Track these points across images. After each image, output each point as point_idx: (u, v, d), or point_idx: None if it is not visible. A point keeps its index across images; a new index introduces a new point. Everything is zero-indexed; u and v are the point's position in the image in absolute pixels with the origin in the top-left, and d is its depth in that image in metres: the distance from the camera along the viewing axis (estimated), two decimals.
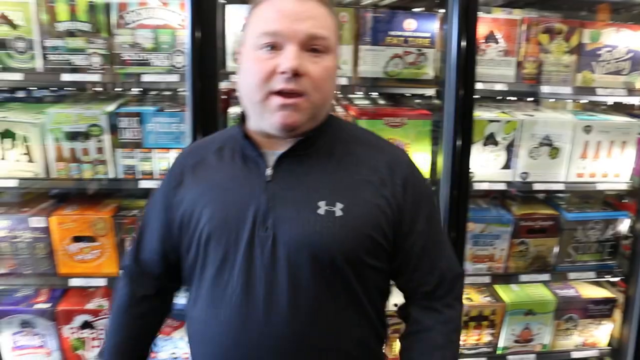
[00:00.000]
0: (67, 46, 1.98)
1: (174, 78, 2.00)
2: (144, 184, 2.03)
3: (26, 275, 2.12)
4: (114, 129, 2.01)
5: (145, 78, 1.98)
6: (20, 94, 2.53)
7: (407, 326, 1.25)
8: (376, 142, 1.23)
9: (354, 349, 1.15)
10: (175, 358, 2.20)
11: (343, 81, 2.09)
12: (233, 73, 2.00)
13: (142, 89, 2.48)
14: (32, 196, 2.24)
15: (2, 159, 2.01)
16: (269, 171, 1.10)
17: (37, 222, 2.05)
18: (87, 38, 1.98)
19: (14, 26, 1.96)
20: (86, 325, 2.15)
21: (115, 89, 2.42)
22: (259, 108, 1.06)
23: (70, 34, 1.97)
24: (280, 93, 1.03)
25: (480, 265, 2.29)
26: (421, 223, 1.18)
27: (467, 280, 2.25)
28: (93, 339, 2.17)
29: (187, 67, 1.89)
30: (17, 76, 1.98)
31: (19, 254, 2.09)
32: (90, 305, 2.16)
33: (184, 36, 1.96)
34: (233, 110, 2.04)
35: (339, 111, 2.21)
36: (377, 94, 2.57)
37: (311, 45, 1.04)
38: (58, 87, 2.38)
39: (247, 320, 1.07)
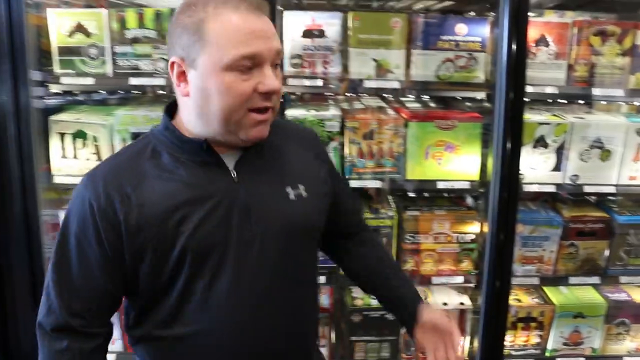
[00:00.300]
0: (135, 52, 2.12)
1: None
2: None
3: None
4: None
5: None
6: (81, 97, 2.69)
7: (347, 250, 1.46)
8: (295, 126, 1.48)
9: (318, 309, 1.39)
10: None
11: (395, 84, 2.16)
12: (291, 77, 2.10)
13: None
14: None
15: (75, 157, 2.17)
16: (234, 173, 1.13)
17: None
18: (153, 44, 2.11)
19: (88, 34, 2.11)
20: None
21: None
22: (234, 125, 1.07)
23: (138, 40, 2.11)
24: (257, 109, 1.07)
25: (529, 266, 2.32)
26: (340, 176, 1.47)
27: (515, 281, 2.28)
28: None
29: None
30: (90, 80, 2.13)
31: None
32: None
33: None
34: (290, 113, 2.14)
35: (390, 114, 2.28)
36: (427, 97, 2.63)
37: (275, 61, 1.08)
38: (124, 90, 2.53)
39: (247, 317, 1.14)
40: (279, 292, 1.17)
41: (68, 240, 1.10)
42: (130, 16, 2.10)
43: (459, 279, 2.30)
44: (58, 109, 2.28)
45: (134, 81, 2.11)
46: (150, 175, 1.10)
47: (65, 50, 2.12)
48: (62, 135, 2.15)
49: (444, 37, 2.15)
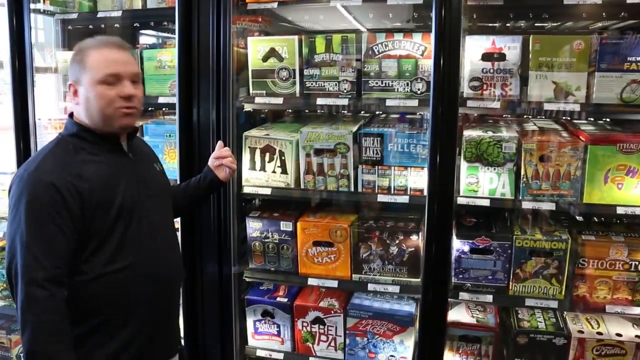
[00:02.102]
0: (322, 74, 2.37)
1: (413, 103, 2.29)
2: (382, 198, 2.35)
3: (271, 272, 2.56)
4: (357, 147, 2.35)
5: (389, 103, 2.31)
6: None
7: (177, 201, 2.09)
8: (142, 140, 2.12)
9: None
10: None
11: (575, 107, 2.21)
12: (469, 98, 2.23)
13: (378, 112, 2.83)
14: (277, 203, 2.67)
15: (262, 170, 2.46)
16: (130, 155, 1.82)
17: (285, 226, 2.47)
18: (339, 67, 2.35)
19: (280, 59, 2.40)
20: (317, 320, 2.52)
21: (361, 112, 2.78)
22: (109, 118, 1.69)
23: (325, 63, 2.36)
24: (124, 107, 1.70)
25: None
26: None
27: None
28: (322, 333, 2.53)
29: (430, 93, 2.16)
30: (279, 100, 2.42)
31: (268, 252, 2.53)
32: (322, 304, 2.53)
33: (425, 65, 2.25)
34: (467, 134, 2.28)
35: (566, 136, 2.33)
36: (604, 119, 2.63)
37: (133, 79, 1.73)
38: (311, 109, 2.81)
39: (159, 246, 1.81)
40: (166, 227, 1.91)
41: (40, 213, 1.56)
42: (319, 42, 2.36)
43: (636, 310, 2.28)
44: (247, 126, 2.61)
45: (320, 101, 2.37)
46: (86, 162, 1.68)
47: (259, 73, 2.43)
48: (253, 149, 2.45)
49: (631, 59, 2.16)
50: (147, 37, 3.28)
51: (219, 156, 2.09)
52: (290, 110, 2.90)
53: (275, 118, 2.95)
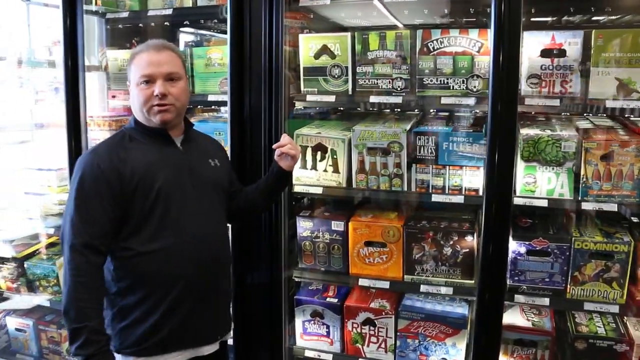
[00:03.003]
0: (375, 72, 2.40)
1: (469, 101, 2.30)
2: (436, 198, 2.37)
3: (321, 272, 2.60)
4: (410, 146, 2.37)
5: (444, 100, 2.32)
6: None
7: (241, 199, 2.26)
8: (209, 136, 2.29)
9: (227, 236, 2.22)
10: None
11: None
12: (527, 96, 2.23)
13: (430, 110, 2.85)
14: (326, 202, 2.71)
15: (313, 169, 2.50)
16: (181, 148, 2.02)
17: (336, 225, 2.51)
18: (393, 64, 2.37)
19: (333, 56, 2.44)
20: (367, 321, 2.55)
21: (412, 110, 2.81)
22: (147, 114, 1.93)
23: (378, 61, 2.39)
24: (157, 105, 1.90)
25: None
26: (234, 173, 2.29)
27: None
28: (372, 335, 2.56)
29: (489, 91, 2.17)
30: (331, 98, 2.46)
31: (318, 252, 2.57)
32: (373, 305, 2.56)
33: (481, 62, 2.26)
34: (525, 132, 2.28)
35: (627, 134, 2.31)
36: None
37: (169, 77, 1.92)
38: (362, 107, 2.85)
39: (199, 233, 1.95)
40: (211, 216, 2.04)
41: (85, 190, 1.82)
42: (373, 38, 2.39)
43: None
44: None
45: (373, 99, 2.40)
46: (133, 149, 1.93)
47: (310, 70, 2.47)
48: (304, 147, 2.49)
49: None
50: (187, 35, 3.35)
51: (279, 145, 2.15)
52: (340, 109, 2.93)
53: (323, 116, 3.00)
